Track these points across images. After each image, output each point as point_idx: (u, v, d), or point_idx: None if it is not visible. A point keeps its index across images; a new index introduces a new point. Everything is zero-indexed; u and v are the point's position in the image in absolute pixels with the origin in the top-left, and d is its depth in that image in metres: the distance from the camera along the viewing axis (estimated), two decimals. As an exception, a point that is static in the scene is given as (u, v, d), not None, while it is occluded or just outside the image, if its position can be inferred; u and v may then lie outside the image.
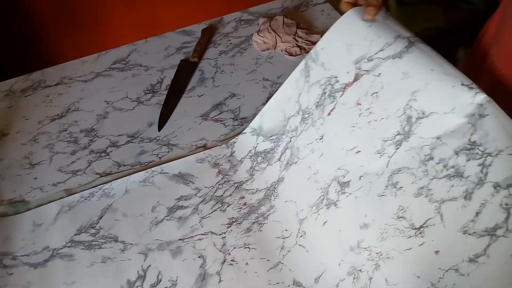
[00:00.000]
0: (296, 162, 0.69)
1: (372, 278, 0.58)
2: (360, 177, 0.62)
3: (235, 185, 0.73)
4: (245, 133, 0.77)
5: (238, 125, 0.81)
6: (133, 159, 0.77)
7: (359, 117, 0.62)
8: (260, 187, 0.71)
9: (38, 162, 0.78)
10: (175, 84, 0.88)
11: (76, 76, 0.93)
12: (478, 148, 0.51)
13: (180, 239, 0.67)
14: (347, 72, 0.64)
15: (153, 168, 0.74)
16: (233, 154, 0.76)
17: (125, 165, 0.76)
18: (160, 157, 0.77)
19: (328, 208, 0.64)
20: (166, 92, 0.88)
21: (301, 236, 0.66)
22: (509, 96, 0.66)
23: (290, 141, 0.71)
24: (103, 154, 0.78)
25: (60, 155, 0.79)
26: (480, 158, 0.51)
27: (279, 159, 0.72)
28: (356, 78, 0.63)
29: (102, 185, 0.73)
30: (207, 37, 0.97)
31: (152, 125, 0.82)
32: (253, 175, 0.73)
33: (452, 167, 0.53)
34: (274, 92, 0.75)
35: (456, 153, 0.53)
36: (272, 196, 0.70)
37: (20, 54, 1.24)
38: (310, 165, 0.67)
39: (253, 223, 0.68)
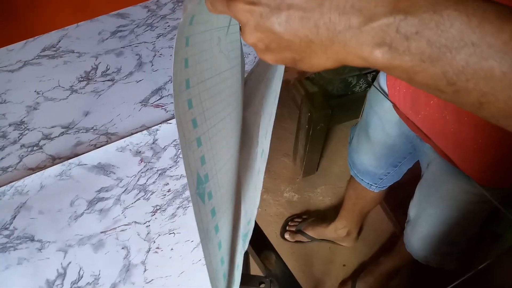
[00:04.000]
0: None
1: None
2: None
3: (159, 172, 0.71)
4: (170, 123, 0.75)
5: (179, 110, 0.79)
6: (69, 151, 0.73)
7: None
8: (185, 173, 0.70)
9: (-37, 161, 0.72)
10: None
11: (2, 66, 0.86)
12: None
13: (102, 232, 0.64)
14: None
15: (70, 161, 0.71)
16: (156, 142, 0.74)
17: (60, 158, 0.72)
18: (98, 147, 0.73)
19: None
20: (102, 79, 0.83)
21: None
22: None
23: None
24: (35, 148, 0.73)
25: (-12, 151, 0.73)
26: None
27: None
28: None
29: (14, 182, 0.68)
30: None
31: (88, 114, 0.78)
32: (178, 162, 0.72)
33: None
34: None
35: None
36: None
37: None
38: None
39: (178, 208, 0.67)
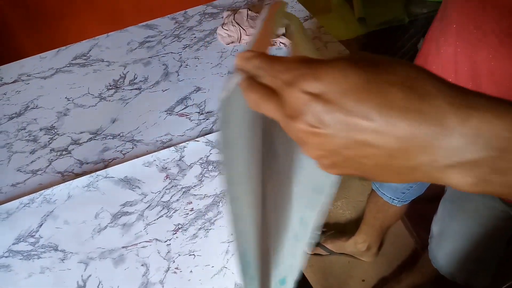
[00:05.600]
0: None
1: None
2: None
3: (183, 190, 0.71)
4: (198, 141, 0.75)
5: (203, 119, 0.80)
6: (96, 156, 0.75)
7: None
8: (209, 193, 0.70)
9: (-4, 163, 0.75)
10: None
11: (35, 72, 0.89)
12: None
13: (123, 247, 0.64)
14: None
15: (97, 172, 0.71)
16: (182, 159, 0.74)
17: (87, 163, 0.74)
18: (124, 154, 0.75)
19: None
20: (129, 88, 0.86)
21: None
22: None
23: None
24: (64, 152, 0.76)
25: (19, 154, 0.76)
26: None
27: None
28: None
29: (43, 191, 0.69)
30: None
31: (115, 121, 0.80)
32: (202, 181, 0.71)
33: None
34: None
35: None
36: (220, 203, 0.69)
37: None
38: None
39: (200, 229, 0.66)
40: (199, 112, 0.81)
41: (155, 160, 0.74)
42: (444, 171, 0.25)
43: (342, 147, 0.27)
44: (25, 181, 0.72)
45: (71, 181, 0.70)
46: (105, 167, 0.73)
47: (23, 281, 0.61)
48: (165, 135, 0.78)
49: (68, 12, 1.23)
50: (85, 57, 0.92)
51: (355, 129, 0.25)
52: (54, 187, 0.70)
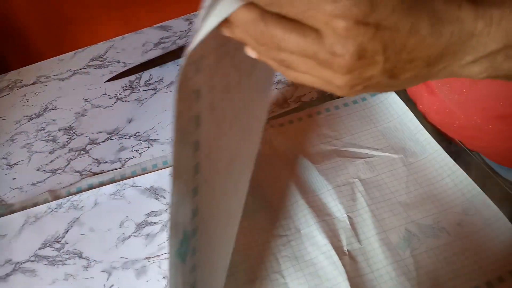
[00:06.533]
0: None
1: None
2: None
3: None
4: None
5: (218, 118, 0.81)
6: (113, 155, 0.77)
7: None
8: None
9: (17, 162, 0.77)
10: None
11: (53, 74, 0.92)
12: None
13: (146, 258, 0.64)
14: None
15: (124, 181, 0.72)
16: None
17: (105, 162, 0.76)
18: (140, 153, 0.77)
19: None
20: (145, 88, 0.87)
21: None
22: None
23: None
24: (82, 152, 0.78)
25: (39, 154, 0.78)
26: None
27: None
28: None
29: (71, 197, 0.70)
30: (185, 32, 0.96)
31: (131, 121, 0.82)
32: None
33: None
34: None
35: None
36: None
37: (-5, 55, 1.22)
38: None
39: None
40: (213, 112, 0.82)
41: None
42: (467, 66, 0.28)
43: (387, 70, 0.27)
44: (44, 180, 0.74)
45: (98, 188, 0.71)
46: (122, 166, 0.75)
47: (48, 287, 0.62)
48: (180, 134, 0.79)
49: (84, 15, 1.26)
50: (101, 59, 0.94)
51: (409, 49, 0.26)
52: (81, 193, 0.71)
